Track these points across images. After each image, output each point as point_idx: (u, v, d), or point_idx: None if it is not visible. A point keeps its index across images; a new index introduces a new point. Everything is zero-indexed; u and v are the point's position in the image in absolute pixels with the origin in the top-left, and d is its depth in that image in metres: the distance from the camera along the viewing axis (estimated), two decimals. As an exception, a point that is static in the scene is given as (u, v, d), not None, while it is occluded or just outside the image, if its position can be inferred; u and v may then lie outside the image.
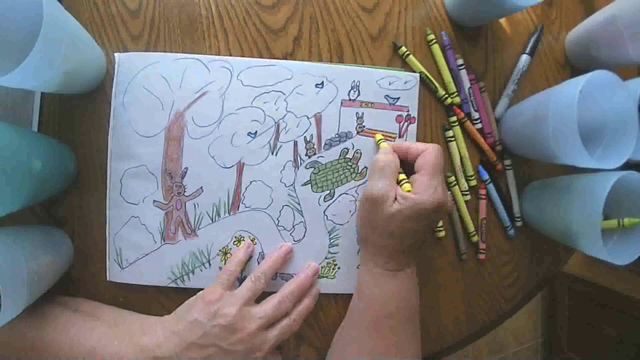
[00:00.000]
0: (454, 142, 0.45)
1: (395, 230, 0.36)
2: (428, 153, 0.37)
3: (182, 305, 0.39)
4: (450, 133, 0.45)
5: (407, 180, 0.38)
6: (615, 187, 0.34)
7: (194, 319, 0.36)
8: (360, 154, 0.43)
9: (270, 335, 0.37)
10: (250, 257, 0.42)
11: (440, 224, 0.45)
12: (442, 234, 0.45)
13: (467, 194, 0.45)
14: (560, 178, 0.44)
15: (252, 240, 0.42)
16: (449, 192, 0.45)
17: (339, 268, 0.43)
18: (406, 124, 0.44)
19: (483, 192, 0.46)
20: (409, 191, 0.36)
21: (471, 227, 0.46)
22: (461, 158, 0.45)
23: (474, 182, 0.46)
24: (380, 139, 0.42)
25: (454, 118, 0.45)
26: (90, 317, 0.38)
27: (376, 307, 0.39)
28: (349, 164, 0.43)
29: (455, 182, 0.45)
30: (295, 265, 0.43)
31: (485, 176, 0.46)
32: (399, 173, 0.39)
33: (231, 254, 0.42)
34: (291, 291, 0.40)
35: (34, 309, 0.37)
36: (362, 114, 0.43)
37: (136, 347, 0.35)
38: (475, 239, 0.46)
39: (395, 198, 0.36)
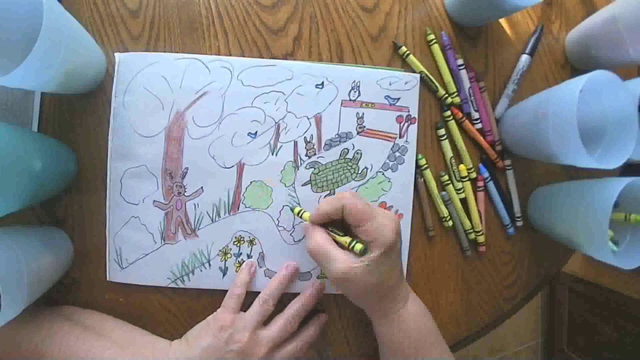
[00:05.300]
0: (446, 141, 0.45)
1: (376, 280, 0.35)
2: (349, 205, 0.35)
3: (192, 330, 0.39)
4: (442, 132, 0.45)
5: (355, 240, 0.35)
6: (621, 192, 0.34)
7: (207, 344, 0.37)
8: (361, 154, 0.43)
9: (276, 357, 0.38)
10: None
11: (446, 213, 0.45)
12: (450, 223, 0.45)
13: (461, 192, 0.45)
14: (566, 184, 0.44)
15: (251, 241, 0.42)
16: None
17: (339, 268, 0.43)
18: (406, 124, 0.44)
19: (481, 184, 0.46)
20: (363, 249, 0.34)
21: (467, 225, 0.46)
22: (458, 151, 0.45)
23: (474, 174, 0.46)
24: (299, 211, 0.40)
25: (448, 113, 0.45)
26: (100, 338, 0.38)
27: (405, 342, 0.38)
28: (349, 164, 0.43)
29: (450, 181, 0.45)
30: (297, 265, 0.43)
31: (486, 174, 0.46)
32: (338, 235, 0.37)
33: (235, 275, 0.41)
34: (296, 311, 0.40)
35: (42, 322, 0.37)
36: (363, 114, 0.43)
37: None
38: (472, 236, 0.46)
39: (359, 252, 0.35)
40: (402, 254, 0.44)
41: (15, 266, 0.31)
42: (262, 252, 0.42)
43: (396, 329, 0.37)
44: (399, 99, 0.43)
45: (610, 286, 1.07)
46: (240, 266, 0.42)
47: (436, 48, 0.45)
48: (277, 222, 0.42)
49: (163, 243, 0.41)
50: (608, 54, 0.43)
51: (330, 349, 0.45)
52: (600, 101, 0.38)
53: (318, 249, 0.36)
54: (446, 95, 0.45)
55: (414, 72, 0.44)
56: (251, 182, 0.42)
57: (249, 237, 0.42)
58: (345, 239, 0.36)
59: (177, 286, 0.42)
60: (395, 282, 0.36)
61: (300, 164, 0.42)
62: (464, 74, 0.45)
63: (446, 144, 0.45)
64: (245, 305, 0.40)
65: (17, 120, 0.40)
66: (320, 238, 0.36)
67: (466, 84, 0.45)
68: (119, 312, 0.42)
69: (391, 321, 0.37)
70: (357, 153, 0.43)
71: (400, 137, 0.44)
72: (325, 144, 0.43)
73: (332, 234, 0.37)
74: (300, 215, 0.41)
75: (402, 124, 0.44)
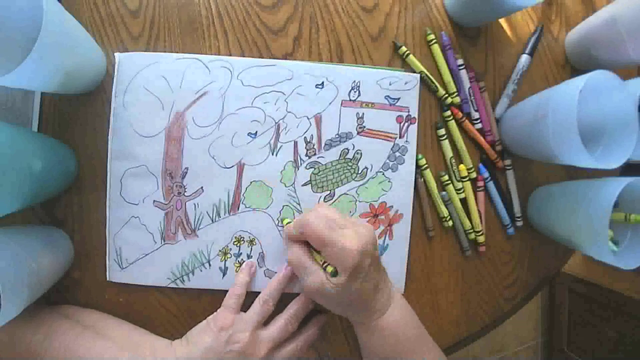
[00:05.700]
0: (446, 140, 0.45)
1: (347, 298, 0.35)
2: (309, 231, 0.35)
3: (192, 330, 0.39)
4: (442, 132, 0.45)
5: (325, 262, 0.35)
6: (621, 192, 0.34)
7: (208, 345, 0.37)
8: (361, 154, 0.43)
9: (277, 358, 0.38)
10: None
11: (447, 214, 0.45)
12: (450, 223, 0.45)
13: (461, 192, 0.45)
14: (566, 184, 0.44)
15: (251, 241, 0.42)
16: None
17: (339, 268, 0.43)
18: (407, 124, 0.44)
19: (481, 184, 0.46)
20: (334, 271, 0.34)
21: (467, 225, 0.46)
22: (458, 151, 0.45)
23: (474, 174, 0.46)
24: (287, 222, 0.41)
25: (448, 113, 0.45)
26: (100, 337, 0.38)
27: (388, 347, 0.37)
28: (349, 164, 0.43)
29: (450, 181, 0.45)
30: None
31: (486, 174, 0.46)
32: (316, 252, 0.37)
33: (236, 275, 0.41)
34: (296, 311, 0.40)
35: (41, 322, 0.37)
36: (363, 114, 0.43)
37: None
38: (472, 236, 0.46)
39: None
40: (402, 254, 0.44)
41: (15, 266, 0.31)
42: (262, 252, 0.42)
43: (373, 337, 0.37)
44: (399, 99, 0.43)
45: (610, 286, 1.07)
46: (240, 266, 0.42)
47: (436, 48, 0.45)
48: (277, 222, 0.42)
49: (163, 243, 0.41)
50: (608, 54, 0.43)
51: (329, 353, 0.45)
52: (600, 101, 0.38)
53: (293, 261, 0.37)
54: (446, 95, 0.45)
55: (414, 72, 0.44)
56: (251, 182, 0.42)
57: (249, 237, 0.42)
58: (320, 259, 0.36)
59: (177, 286, 0.42)
60: (369, 296, 0.36)
61: (300, 164, 0.42)
62: (464, 74, 0.45)
63: (446, 144, 0.45)
64: (245, 306, 0.40)
65: (17, 120, 0.40)
66: (299, 250, 0.37)
67: (466, 84, 0.45)
68: (119, 312, 0.42)
69: (367, 330, 0.37)
70: (357, 153, 0.43)
71: (400, 137, 0.44)
72: (325, 144, 0.43)
73: (311, 248, 0.38)
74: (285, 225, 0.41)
75: (402, 124, 0.44)
